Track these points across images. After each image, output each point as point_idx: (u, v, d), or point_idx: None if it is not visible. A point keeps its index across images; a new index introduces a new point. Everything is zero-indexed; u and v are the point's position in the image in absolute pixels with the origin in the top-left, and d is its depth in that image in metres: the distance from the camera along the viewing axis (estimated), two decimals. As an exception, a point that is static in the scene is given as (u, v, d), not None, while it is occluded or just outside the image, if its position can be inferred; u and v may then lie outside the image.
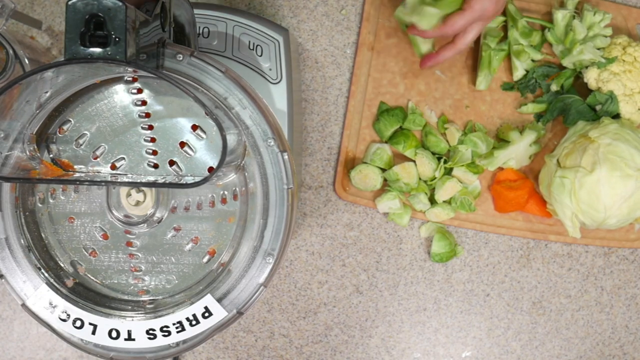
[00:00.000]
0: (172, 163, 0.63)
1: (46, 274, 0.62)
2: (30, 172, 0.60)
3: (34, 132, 0.60)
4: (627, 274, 0.91)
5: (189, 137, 0.62)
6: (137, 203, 0.63)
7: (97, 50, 0.50)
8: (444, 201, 0.88)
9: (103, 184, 0.57)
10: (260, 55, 0.81)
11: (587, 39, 0.84)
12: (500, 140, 0.89)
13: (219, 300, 0.60)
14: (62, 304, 0.61)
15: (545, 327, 0.92)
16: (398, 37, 0.90)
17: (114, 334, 0.60)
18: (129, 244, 0.64)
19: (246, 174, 0.61)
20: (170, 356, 0.61)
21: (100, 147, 0.63)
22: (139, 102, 0.61)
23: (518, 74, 0.88)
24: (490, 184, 0.90)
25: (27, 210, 0.63)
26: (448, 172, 0.88)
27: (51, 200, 0.64)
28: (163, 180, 0.60)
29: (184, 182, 0.55)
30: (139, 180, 0.60)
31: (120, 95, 0.62)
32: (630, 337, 0.92)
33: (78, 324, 0.60)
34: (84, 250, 0.64)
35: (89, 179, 0.59)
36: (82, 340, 0.61)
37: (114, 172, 0.63)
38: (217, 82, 0.59)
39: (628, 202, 0.78)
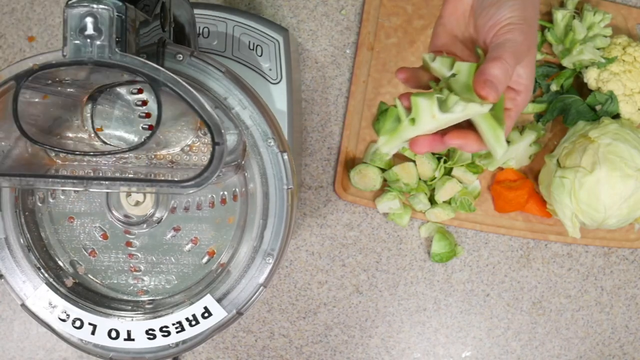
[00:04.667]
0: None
1: (46, 274, 0.62)
2: (36, 165, 0.60)
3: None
4: (627, 274, 0.91)
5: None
6: (137, 203, 0.63)
7: (95, 52, 0.50)
8: (444, 201, 0.88)
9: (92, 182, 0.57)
10: (260, 55, 0.82)
11: (587, 39, 0.84)
12: (500, 140, 0.89)
13: (219, 300, 0.60)
14: (62, 304, 0.61)
15: (545, 327, 0.92)
16: (398, 37, 0.90)
17: (113, 334, 0.60)
18: (129, 244, 0.64)
19: (246, 174, 0.61)
20: (169, 356, 0.61)
21: (100, 147, 0.63)
22: (140, 102, 0.61)
23: (518, 74, 0.88)
24: (490, 184, 0.90)
25: (27, 210, 0.63)
26: (448, 172, 0.88)
27: (51, 200, 0.64)
28: (155, 185, 0.59)
29: (178, 185, 0.55)
30: (136, 180, 0.60)
31: (121, 96, 0.62)
32: (630, 337, 0.92)
33: (77, 324, 0.60)
34: (83, 250, 0.64)
35: (86, 177, 0.58)
36: (81, 340, 0.61)
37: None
38: (217, 82, 0.60)
39: (628, 202, 0.78)
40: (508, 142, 0.87)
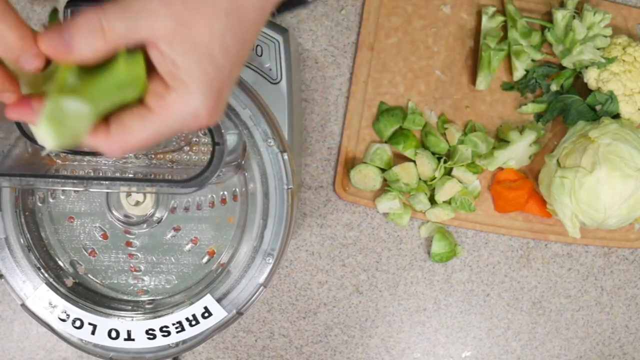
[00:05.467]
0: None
1: (46, 274, 0.62)
2: (37, 165, 0.60)
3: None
4: (627, 274, 0.91)
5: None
6: (137, 203, 0.63)
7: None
8: (444, 201, 0.88)
9: (98, 182, 0.57)
10: (260, 55, 0.82)
11: (587, 39, 0.84)
12: (500, 140, 0.89)
13: (219, 300, 0.60)
14: (62, 304, 0.61)
15: (545, 327, 0.92)
16: (398, 37, 0.90)
17: (113, 334, 0.60)
18: (129, 244, 0.64)
19: (246, 174, 0.61)
20: (169, 356, 0.61)
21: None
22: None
23: (518, 74, 0.88)
24: (490, 184, 0.90)
25: (27, 210, 0.63)
26: (448, 172, 0.88)
27: (51, 200, 0.64)
28: (155, 185, 0.60)
29: (178, 185, 0.55)
30: (134, 179, 0.60)
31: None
32: (630, 337, 0.92)
33: (77, 324, 0.60)
34: (83, 250, 0.64)
35: (87, 177, 0.58)
36: (81, 340, 0.61)
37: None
38: (216, 82, 0.59)
39: (628, 202, 0.78)
40: (507, 141, 0.87)
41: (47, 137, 0.35)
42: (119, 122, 0.38)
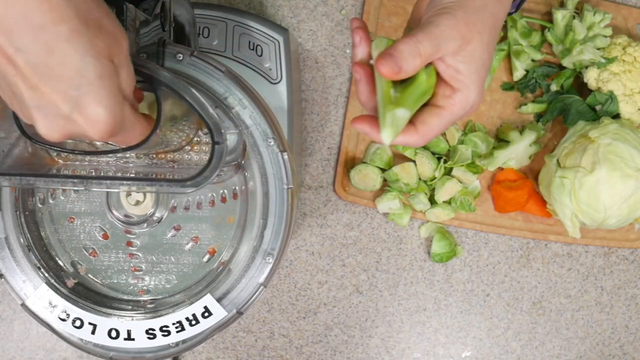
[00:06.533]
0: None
1: (46, 274, 0.62)
2: (35, 165, 0.60)
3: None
4: (627, 274, 0.91)
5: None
6: (137, 202, 0.63)
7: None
8: (444, 201, 0.88)
9: (96, 181, 0.57)
10: (260, 55, 0.82)
11: (587, 39, 0.84)
12: (500, 140, 0.89)
13: (219, 300, 0.60)
14: (62, 304, 0.61)
15: (545, 327, 0.92)
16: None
17: (113, 334, 0.60)
18: (129, 243, 0.64)
19: (246, 173, 0.61)
20: (169, 356, 0.61)
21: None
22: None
23: (518, 74, 0.88)
24: (490, 184, 0.90)
25: (27, 210, 0.63)
26: (448, 172, 0.88)
27: (51, 200, 0.64)
28: (155, 184, 0.60)
29: (178, 184, 0.55)
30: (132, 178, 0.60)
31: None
32: (630, 337, 0.92)
33: (78, 323, 0.60)
34: (84, 250, 0.64)
35: (87, 176, 0.58)
36: (81, 340, 0.61)
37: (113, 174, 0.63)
38: (217, 81, 0.60)
39: (628, 202, 0.78)
40: (507, 141, 0.87)
41: (388, 137, 0.48)
42: (422, 121, 0.50)
